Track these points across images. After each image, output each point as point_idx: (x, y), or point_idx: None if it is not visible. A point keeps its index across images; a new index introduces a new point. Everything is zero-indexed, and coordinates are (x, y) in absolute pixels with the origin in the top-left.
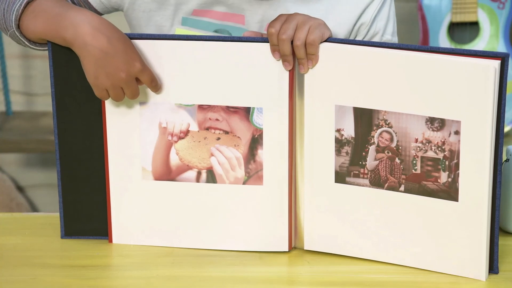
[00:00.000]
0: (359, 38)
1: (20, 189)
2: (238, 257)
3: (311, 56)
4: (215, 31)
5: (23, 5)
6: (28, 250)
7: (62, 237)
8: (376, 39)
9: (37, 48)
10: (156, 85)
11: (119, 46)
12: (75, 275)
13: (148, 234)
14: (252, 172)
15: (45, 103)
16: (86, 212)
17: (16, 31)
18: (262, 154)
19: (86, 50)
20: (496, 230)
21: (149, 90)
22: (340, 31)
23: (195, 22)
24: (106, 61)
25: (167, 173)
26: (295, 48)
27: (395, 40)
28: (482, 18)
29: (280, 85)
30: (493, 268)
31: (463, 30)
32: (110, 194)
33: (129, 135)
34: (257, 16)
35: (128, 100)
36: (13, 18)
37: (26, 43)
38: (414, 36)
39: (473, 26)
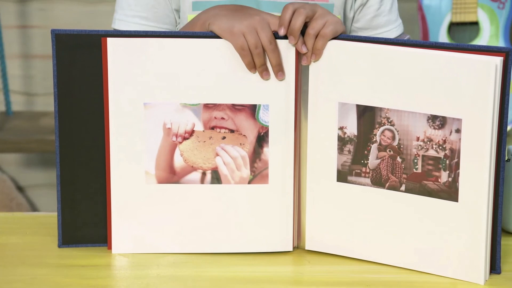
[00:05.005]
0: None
1: (20, 189)
2: (238, 257)
3: (316, 50)
4: None
5: None
6: (28, 250)
7: (59, 246)
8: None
9: None
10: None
11: (243, 7)
12: (75, 275)
13: (149, 241)
14: (258, 171)
15: (45, 103)
16: (85, 219)
17: None
18: (268, 152)
19: (214, 15)
20: (499, 228)
21: (153, 89)
22: None
23: (205, 4)
24: (237, 12)
25: (171, 175)
26: (307, 36)
27: (393, 17)
28: (482, 18)
29: (286, 82)
30: (495, 268)
31: (463, 30)
32: (111, 200)
33: (132, 138)
34: None
35: (132, 100)
36: None
37: None
38: (414, 36)
39: (473, 26)
